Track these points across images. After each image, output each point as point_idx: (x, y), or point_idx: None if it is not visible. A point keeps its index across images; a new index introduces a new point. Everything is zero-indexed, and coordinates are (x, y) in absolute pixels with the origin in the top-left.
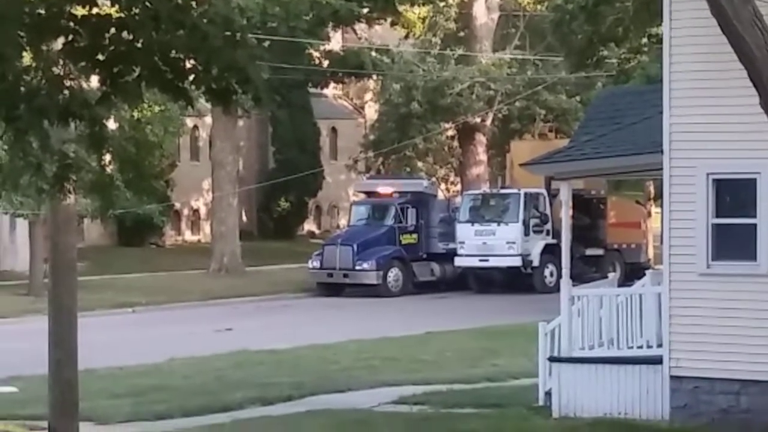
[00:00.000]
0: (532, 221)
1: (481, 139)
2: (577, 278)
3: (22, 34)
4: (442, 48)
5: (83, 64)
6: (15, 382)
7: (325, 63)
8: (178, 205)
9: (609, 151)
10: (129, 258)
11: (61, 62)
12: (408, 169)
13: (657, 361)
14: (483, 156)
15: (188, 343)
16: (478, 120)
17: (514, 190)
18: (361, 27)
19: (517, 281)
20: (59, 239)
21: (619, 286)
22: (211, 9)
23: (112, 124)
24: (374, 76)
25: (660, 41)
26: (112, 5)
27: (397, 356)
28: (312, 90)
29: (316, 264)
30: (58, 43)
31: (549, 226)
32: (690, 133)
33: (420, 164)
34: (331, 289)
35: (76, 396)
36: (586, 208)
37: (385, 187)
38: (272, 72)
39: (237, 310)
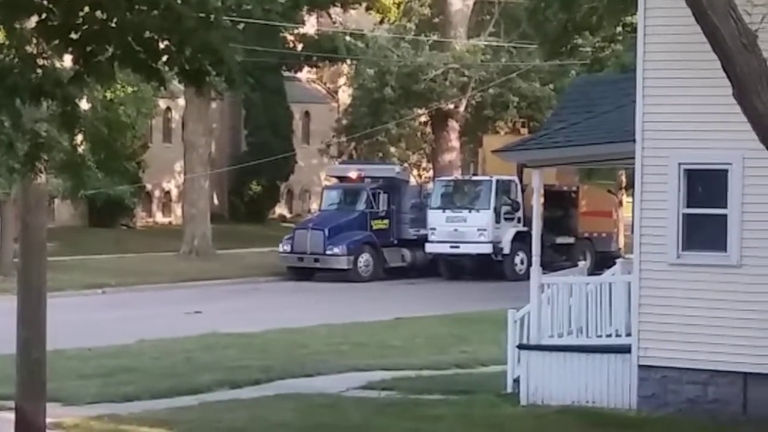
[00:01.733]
0: (504, 209)
1: (454, 125)
2: (548, 266)
3: None
4: (416, 33)
5: (56, 42)
6: None
7: (300, 47)
8: (149, 187)
9: (581, 140)
10: (99, 239)
11: (34, 40)
12: (380, 155)
13: (625, 350)
14: (455, 142)
15: (157, 325)
16: (452, 106)
17: (486, 177)
18: (336, 11)
19: (487, 268)
20: (29, 219)
21: (589, 274)
22: None
23: (84, 104)
24: (348, 61)
25: (634, 30)
26: None
27: (366, 341)
28: (286, 73)
29: (287, 248)
30: (32, 21)
31: (520, 213)
32: (662, 122)
33: (392, 150)
34: (302, 273)
35: (44, 376)
36: (558, 201)
37: (356, 172)
38: (246, 55)
39: (207, 292)
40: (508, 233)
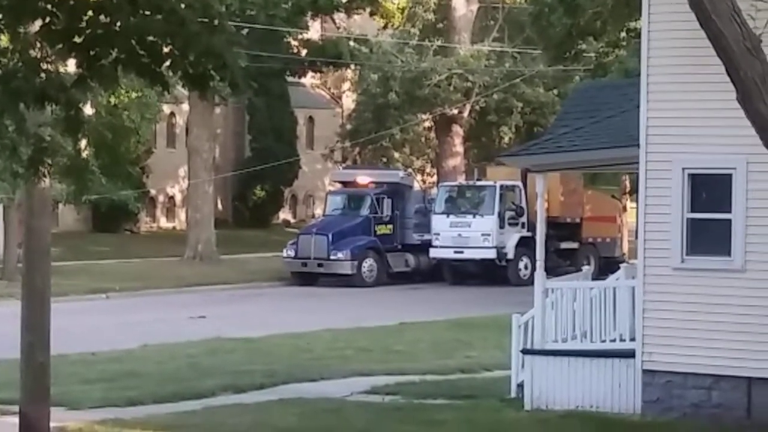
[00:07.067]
0: (508, 214)
1: (458, 130)
2: (552, 271)
3: None
4: (420, 39)
5: (60, 46)
6: None
7: (304, 52)
8: (153, 192)
9: (586, 144)
10: (103, 244)
11: (38, 45)
12: (384, 160)
13: (630, 354)
14: (460, 148)
15: (161, 330)
16: (456, 112)
17: (490, 183)
18: (340, 16)
19: (491, 273)
20: (34, 224)
21: (593, 279)
22: None
23: (88, 109)
24: (352, 66)
25: (638, 35)
26: None
27: (370, 346)
28: (290, 79)
29: (291, 253)
30: (35, 26)
31: (524, 219)
32: (666, 127)
33: (396, 155)
34: (306, 278)
35: (47, 381)
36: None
37: (361, 177)
38: (250, 60)
39: (211, 297)
40: (512, 238)
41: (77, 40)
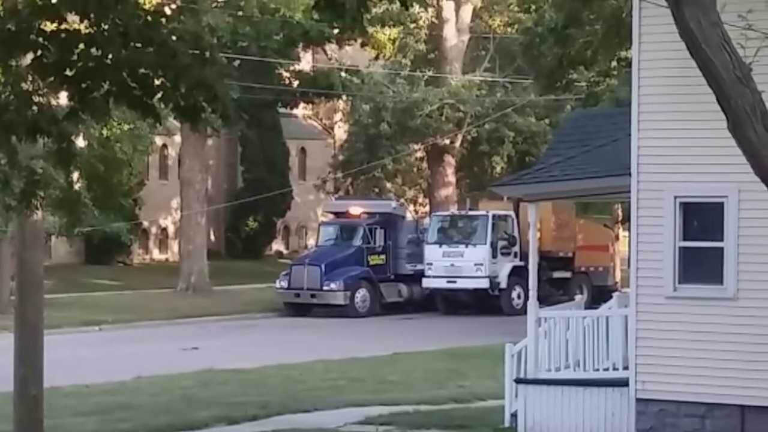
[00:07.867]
0: (500, 243)
1: (450, 160)
2: (545, 300)
3: None
4: (412, 69)
5: (52, 79)
6: None
7: (295, 83)
8: (146, 224)
9: (577, 174)
10: (96, 276)
11: (30, 78)
12: (377, 190)
13: (623, 383)
14: (452, 177)
15: (154, 362)
16: (447, 142)
17: (482, 212)
18: (331, 48)
19: (484, 303)
20: (26, 256)
21: (586, 308)
22: (180, 26)
23: (80, 142)
24: (344, 97)
25: (629, 64)
26: (81, 21)
27: (363, 377)
28: (282, 110)
29: (284, 284)
30: (27, 59)
31: (517, 248)
32: (658, 156)
33: (389, 185)
34: (299, 309)
35: (41, 413)
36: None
37: (353, 208)
38: (242, 91)
39: (204, 329)
40: (504, 268)
41: (69, 72)
